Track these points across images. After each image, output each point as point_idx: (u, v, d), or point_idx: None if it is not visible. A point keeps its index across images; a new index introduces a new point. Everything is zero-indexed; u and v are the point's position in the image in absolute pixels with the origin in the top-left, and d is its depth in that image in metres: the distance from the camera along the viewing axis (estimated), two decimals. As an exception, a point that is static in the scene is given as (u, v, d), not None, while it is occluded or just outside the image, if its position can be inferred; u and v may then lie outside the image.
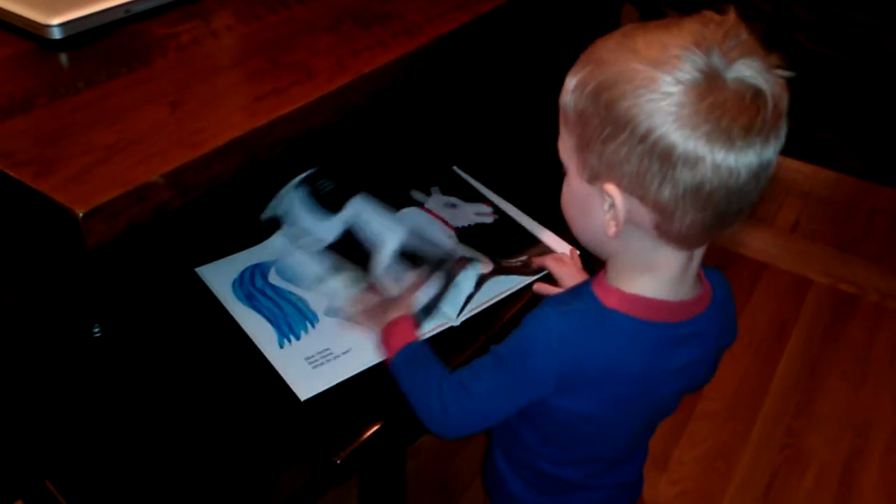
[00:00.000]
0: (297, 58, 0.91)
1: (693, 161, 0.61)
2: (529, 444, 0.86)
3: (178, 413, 1.04)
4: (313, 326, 0.99)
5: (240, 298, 1.02)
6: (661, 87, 0.61)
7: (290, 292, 1.04)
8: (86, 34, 0.93)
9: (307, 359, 0.95)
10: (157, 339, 0.99)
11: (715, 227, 0.67)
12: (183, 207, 0.77)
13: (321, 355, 0.95)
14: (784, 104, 0.64)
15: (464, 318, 1.01)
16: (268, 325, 0.99)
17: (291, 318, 1.00)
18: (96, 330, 0.95)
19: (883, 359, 1.94)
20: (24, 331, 1.04)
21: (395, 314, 0.90)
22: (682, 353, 0.76)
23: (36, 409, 1.15)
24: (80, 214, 0.66)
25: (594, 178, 0.68)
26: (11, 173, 0.71)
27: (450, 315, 1.00)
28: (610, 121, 0.64)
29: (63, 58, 0.90)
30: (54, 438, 1.16)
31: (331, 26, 0.98)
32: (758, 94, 0.62)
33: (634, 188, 0.65)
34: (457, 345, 0.98)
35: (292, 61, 0.90)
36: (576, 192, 0.72)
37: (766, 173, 0.65)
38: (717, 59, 0.61)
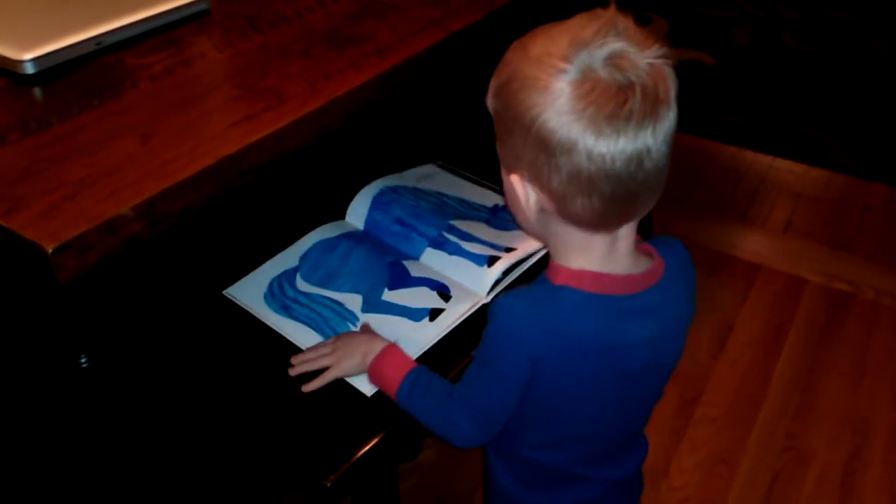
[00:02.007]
0: (270, 83, 0.91)
1: (568, 148, 0.67)
2: (512, 429, 0.87)
3: (167, 444, 1.03)
4: (355, 326, 1.01)
5: (275, 310, 1.04)
6: (542, 83, 0.67)
7: (323, 296, 1.06)
8: (58, 68, 0.93)
9: None
10: (143, 367, 0.99)
11: (610, 211, 0.71)
12: (165, 233, 0.77)
13: None
14: (662, 90, 0.67)
15: (494, 294, 1.06)
16: (311, 332, 1.01)
17: (332, 321, 1.02)
18: (83, 360, 0.95)
19: (880, 356, 1.93)
20: (11, 365, 1.04)
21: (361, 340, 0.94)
22: (639, 326, 0.78)
23: (25, 441, 1.15)
24: (50, 250, 0.67)
25: (508, 170, 0.75)
26: (-18, 212, 0.71)
27: (479, 293, 1.05)
28: (508, 116, 0.71)
29: (36, 92, 0.91)
30: (45, 471, 1.15)
31: (303, 50, 0.98)
32: (626, 83, 0.66)
33: (532, 177, 0.72)
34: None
35: (264, 87, 0.91)
36: (504, 184, 0.79)
37: (651, 158, 0.68)
38: (591, 53, 0.66)
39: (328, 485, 0.87)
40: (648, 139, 0.67)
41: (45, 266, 0.67)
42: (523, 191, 0.73)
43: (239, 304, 1.05)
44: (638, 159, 0.67)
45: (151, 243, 0.77)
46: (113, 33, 0.97)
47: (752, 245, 2.27)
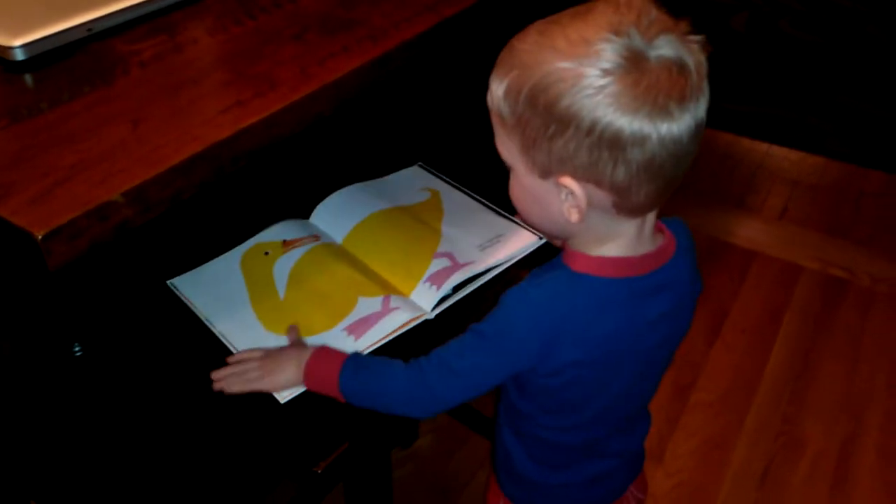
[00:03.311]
0: (261, 69, 0.91)
1: (641, 140, 0.66)
2: (532, 417, 0.88)
3: (161, 432, 1.03)
4: None
5: None
6: (593, 82, 0.65)
7: None
8: (49, 54, 0.93)
9: None
10: (136, 355, 0.99)
11: (665, 191, 0.72)
12: (154, 222, 0.76)
13: None
14: (704, 66, 0.69)
15: (438, 312, 1.01)
16: None
17: None
18: (77, 349, 0.95)
19: (875, 342, 1.94)
20: (7, 354, 1.04)
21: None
22: (657, 302, 0.79)
23: (20, 431, 1.15)
24: (40, 236, 0.66)
25: (546, 173, 0.72)
26: (-28, 198, 0.71)
27: (424, 308, 1.00)
28: (552, 121, 0.68)
29: (27, 79, 0.90)
30: (39, 459, 1.15)
31: (296, 35, 0.98)
32: (682, 66, 0.67)
33: (589, 176, 0.69)
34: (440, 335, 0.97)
35: (256, 72, 0.90)
36: (528, 188, 0.75)
37: (702, 129, 0.70)
38: (637, 42, 0.65)
39: (319, 472, 0.88)
40: (701, 112, 0.69)
41: (36, 252, 0.67)
42: (580, 191, 0.70)
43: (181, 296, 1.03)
44: (696, 133, 0.69)
45: (144, 230, 0.76)
46: (105, 19, 0.96)
47: (748, 232, 2.28)
